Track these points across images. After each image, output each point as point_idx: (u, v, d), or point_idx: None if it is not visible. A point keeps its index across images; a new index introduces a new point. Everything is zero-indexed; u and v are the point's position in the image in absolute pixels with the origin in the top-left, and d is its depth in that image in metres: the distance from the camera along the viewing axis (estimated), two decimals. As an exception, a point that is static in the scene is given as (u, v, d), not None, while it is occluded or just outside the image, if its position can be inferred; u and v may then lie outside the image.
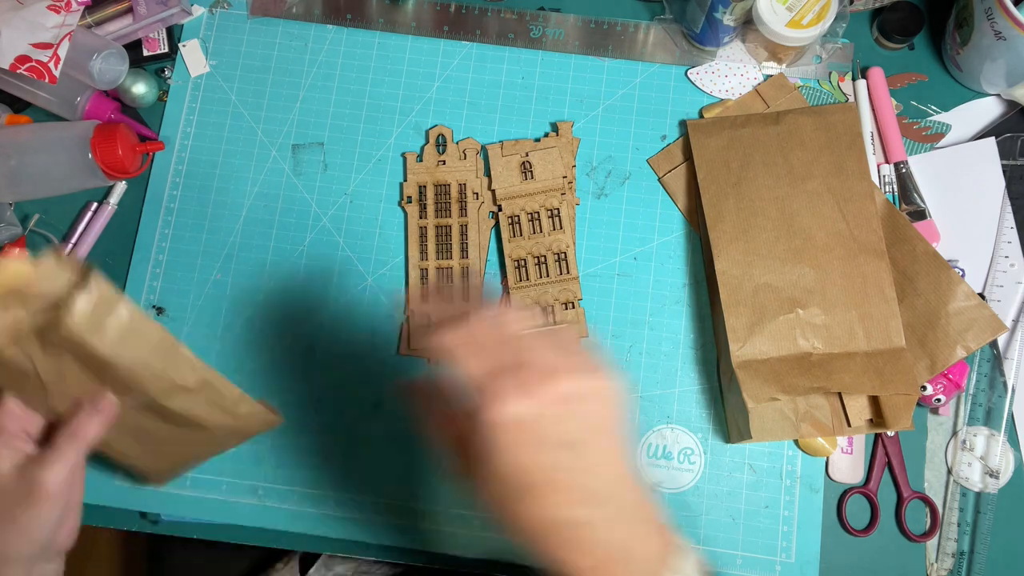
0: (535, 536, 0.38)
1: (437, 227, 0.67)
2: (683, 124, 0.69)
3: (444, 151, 0.68)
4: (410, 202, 0.68)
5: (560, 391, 0.37)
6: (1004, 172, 0.66)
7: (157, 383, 0.49)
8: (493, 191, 0.67)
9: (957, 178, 0.66)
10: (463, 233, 0.66)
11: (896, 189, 0.66)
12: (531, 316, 0.40)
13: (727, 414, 0.63)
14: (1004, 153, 0.66)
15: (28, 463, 0.48)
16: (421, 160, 0.68)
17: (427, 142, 0.69)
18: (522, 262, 0.66)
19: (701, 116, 0.69)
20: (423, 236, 0.67)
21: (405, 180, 0.68)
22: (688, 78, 0.70)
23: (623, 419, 0.39)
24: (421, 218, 0.67)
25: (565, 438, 0.37)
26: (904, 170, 0.66)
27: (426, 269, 0.66)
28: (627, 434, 0.40)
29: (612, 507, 0.39)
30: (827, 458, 0.63)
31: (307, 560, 0.66)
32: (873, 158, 0.67)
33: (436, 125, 0.69)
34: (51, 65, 0.63)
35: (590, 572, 0.38)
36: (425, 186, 0.68)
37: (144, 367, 0.47)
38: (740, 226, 0.63)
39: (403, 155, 0.69)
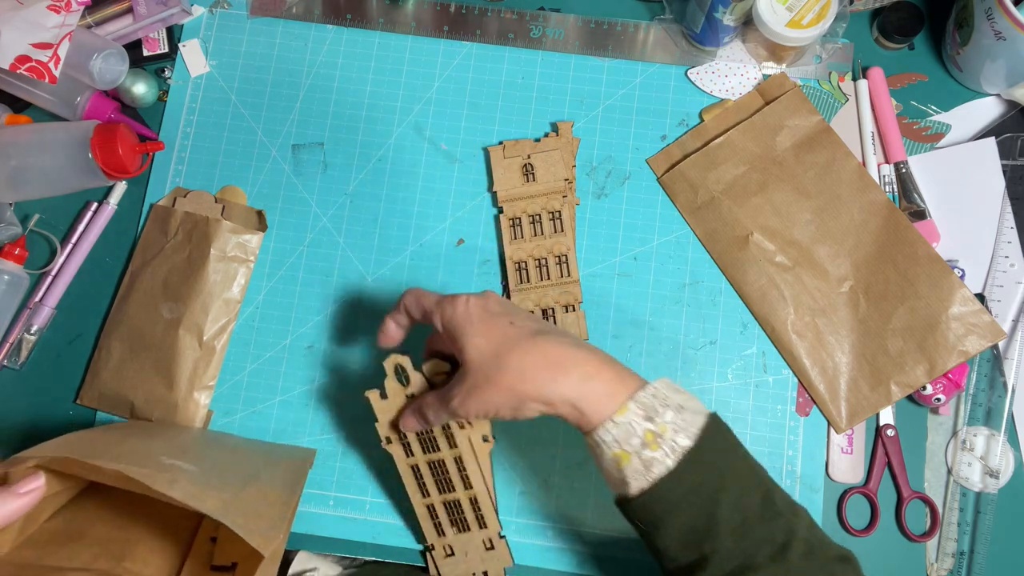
0: (524, 397, 0.47)
1: (429, 463, 0.58)
2: (693, 119, 0.69)
3: (408, 382, 0.55)
4: (391, 443, 0.57)
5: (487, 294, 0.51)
6: (1004, 172, 0.66)
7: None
8: (495, 193, 0.67)
9: (957, 178, 0.66)
10: (459, 463, 0.57)
11: (896, 189, 0.66)
12: None
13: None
14: (1004, 153, 0.66)
15: None
16: (386, 398, 0.56)
17: (386, 375, 0.55)
18: (523, 264, 0.66)
19: (701, 118, 0.69)
20: (417, 474, 0.58)
21: (377, 421, 0.56)
22: (688, 78, 0.70)
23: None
24: (408, 456, 0.58)
25: (509, 309, 0.50)
26: (904, 170, 0.66)
27: (432, 506, 0.59)
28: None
29: (578, 351, 0.48)
30: (827, 458, 0.63)
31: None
32: (873, 158, 0.67)
33: (391, 355, 0.55)
34: (51, 65, 0.63)
35: (571, 397, 0.46)
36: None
37: None
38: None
39: (365, 396, 0.56)
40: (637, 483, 0.44)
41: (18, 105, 0.70)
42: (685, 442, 0.44)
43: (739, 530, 0.44)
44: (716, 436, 0.45)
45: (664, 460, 0.44)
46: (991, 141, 0.66)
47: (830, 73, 0.69)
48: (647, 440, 0.44)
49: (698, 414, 0.46)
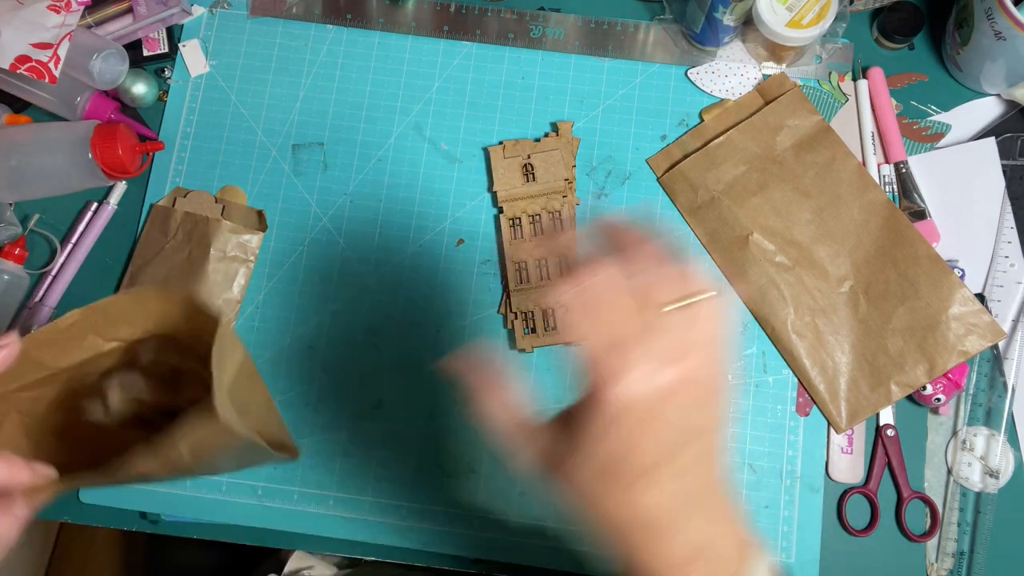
0: (624, 528, 0.35)
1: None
2: (694, 118, 0.69)
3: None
4: None
5: (693, 375, 0.34)
6: (1004, 172, 0.66)
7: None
8: (495, 193, 0.67)
9: (957, 178, 0.66)
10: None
11: (896, 189, 0.66)
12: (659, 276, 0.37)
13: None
14: (1004, 153, 0.66)
15: None
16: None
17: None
18: (523, 264, 0.66)
19: (701, 118, 0.69)
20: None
21: None
22: (688, 78, 0.70)
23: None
24: None
25: (689, 425, 0.35)
26: (904, 170, 0.66)
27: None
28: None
29: (709, 503, 0.36)
30: (827, 458, 0.63)
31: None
32: (873, 158, 0.67)
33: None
34: (51, 65, 0.63)
35: (672, 570, 0.35)
36: None
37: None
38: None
39: None
40: None
41: (18, 105, 0.70)
42: None
43: None
44: None
45: None
46: (991, 141, 0.67)
47: (830, 73, 0.69)
48: None
49: None
